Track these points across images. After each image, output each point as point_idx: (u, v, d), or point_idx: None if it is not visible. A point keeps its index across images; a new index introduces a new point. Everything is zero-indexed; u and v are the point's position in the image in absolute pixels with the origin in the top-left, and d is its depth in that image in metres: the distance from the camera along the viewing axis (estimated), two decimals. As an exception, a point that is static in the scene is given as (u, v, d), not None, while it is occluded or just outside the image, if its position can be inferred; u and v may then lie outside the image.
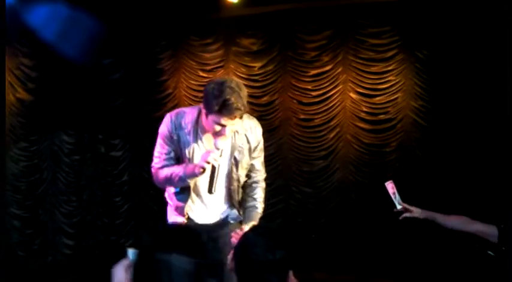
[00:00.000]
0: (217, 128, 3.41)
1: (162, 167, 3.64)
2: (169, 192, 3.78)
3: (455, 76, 7.23)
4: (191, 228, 2.34)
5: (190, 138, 3.58)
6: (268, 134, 7.95)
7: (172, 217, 3.80)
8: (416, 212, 4.15)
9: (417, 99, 7.51)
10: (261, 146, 3.83)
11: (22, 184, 8.36)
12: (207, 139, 3.58)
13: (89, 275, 7.43)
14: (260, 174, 3.89)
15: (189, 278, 1.96)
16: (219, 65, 8.19)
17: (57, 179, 8.48)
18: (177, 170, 3.54)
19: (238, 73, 8.09)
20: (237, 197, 3.77)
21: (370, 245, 7.52)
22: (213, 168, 3.40)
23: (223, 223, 3.78)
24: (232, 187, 3.72)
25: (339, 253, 7.65)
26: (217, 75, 8.12)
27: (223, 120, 3.37)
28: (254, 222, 3.75)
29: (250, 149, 3.72)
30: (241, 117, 3.45)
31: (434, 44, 7.35)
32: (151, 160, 3.79)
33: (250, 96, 8.10)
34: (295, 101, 8.00)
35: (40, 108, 8.30)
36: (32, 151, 8.41)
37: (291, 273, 2.35)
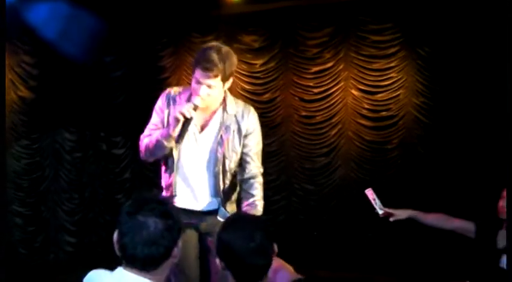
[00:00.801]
0: (195, 85, 3.41)
1: (147, 135, 3.62)
2: (161, 171, 3.73)
3: (457, 73, 7.22)
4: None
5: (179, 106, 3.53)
6: (270, 131, 7.96)
7: None
8: (398, 214, 4.17)
9: (419, 96, 7.51)
10: (256, 135, 3.72)
11: (24, 182, 8.37)
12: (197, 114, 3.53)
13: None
14: (256, 167, 3.73)
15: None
16: (220, 62, 8.17)
17: (59, 177, 8.49)
18: (156, 134, 3.53)
19: (239, 70, 8.08)
20: (222, 182, 3.64)
21: (372, 242, 7.52)
22: (186, 119, 3.37)
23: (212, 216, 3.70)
24: (216, 169, 3.61)
25: (341, 250, 7.65)
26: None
27: (200, 76, 3.38)
28: None
29: (240, 132, 3.63)
30: (216, 77, 3.39)
31: (436, 41, 7.34)
32: None
33: (251, 93, 8.17)
34: (296, 98, 8.00)
35: (42, 105, 8.31)
36: (34, 149, 8.42)
37: (275, 246, 2.39)
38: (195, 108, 3.39)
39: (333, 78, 7.82)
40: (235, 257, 2.30)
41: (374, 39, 7.61)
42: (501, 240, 3.92)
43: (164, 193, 3.71)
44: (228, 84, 3.53)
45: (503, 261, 3.82)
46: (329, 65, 7.81)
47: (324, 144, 7.91)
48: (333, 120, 7.86)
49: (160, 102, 3.66)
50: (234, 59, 3.50)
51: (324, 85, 7.85)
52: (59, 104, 8.32)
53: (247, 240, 2.29)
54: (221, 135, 3.59)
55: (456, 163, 7.20)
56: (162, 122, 3.60)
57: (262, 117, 7.92)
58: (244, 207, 3.66)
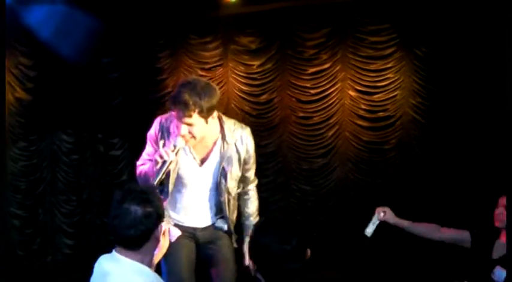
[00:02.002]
0: (177, 123, 3.36)
1: (142, 164, 3.58)
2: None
3: (453, 73, 7.24)
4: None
5: (173, 135, 3.49)
6: (268, 132, 7.97)
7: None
8: (389, 214, 4.03)
9: (416, 97, 7.53)
10: (253, 154, 3.70)
11: (21, 184, 8.37)
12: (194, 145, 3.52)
13: (89, 275, 7.43)
14: (253, 184, 3.80)
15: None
16: (218, 63, 8.19)
17: (56, 179, 8.47)
18: (147, 165, 3.51)
19: (237, 71, 8.10)
20: (228, 209, 3.67)
21: (369, 243, 7.51)
22: (164, 162, 3.28)
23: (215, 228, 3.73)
24: (222, 199, 3.62)
25: (338, 251, 7.65)
26: (217, 73, 8.13)
27: (177, 115, 3.31)
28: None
29: (239, 159, 3.60)
30: (190, 117, 3.28)
31: (432, 41, 7.36)
32: None
33: (249, 94, 8.18)
34: (294, 99, 8.01)
35: (39, 107, 8.29)
36: (32, 151, 8.41)
37: (308, 251, 2.38)
38: (175, 149, 3.33)
39: (330, 79, 7.83)
40: (270, 260, 2.30)
41: (371, 40, 7.62)
42: (497, 251, 3.80)
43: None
44: (212, 116, 3.40)
45: (497, 273, 3.71)
46: (326, 66, 7.83)
47: (322, 145, 7.92)
48: (331, 121, 7.87)
49: (153, 132, 3.57)
50: (214, 92, 3.34)
51: (321, 86, 7.86)
52: (56, 105, 8.31)
53: (284, 243, 2.29)
54: (223, 167, 3.56)
55: (453, 163, 7.22)
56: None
57: (259, 118, 8.03)
58: (241, 225, 3.81)
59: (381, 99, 7.65)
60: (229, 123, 3.56)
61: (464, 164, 7.14)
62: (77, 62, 7.39)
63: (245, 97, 8.06)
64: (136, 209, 2.48)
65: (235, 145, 3.56)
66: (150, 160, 3.53)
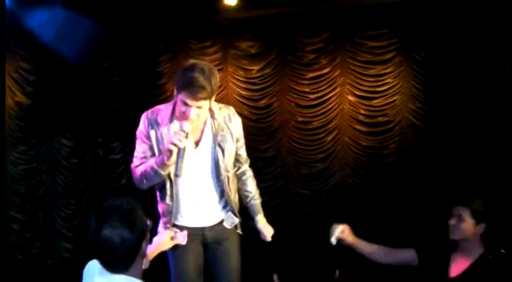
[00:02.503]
0: (183, 108, 3.33)
1: (139, 165, 3.53)
2: (157, 197, 3.68)
3: (453, 78, 7.25)
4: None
5: (166, 129, 3.48)
6: (267, 136, 7.98)
7: (161, 225, 3.69)
8: (346, 233, 3.87)
9: (415, 102, 7.54)
10: (242, 134, 3.71)
11: (21, 188, 8.38)
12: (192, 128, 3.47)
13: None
14: (247, 164, 3.83)
15: None
16: (217, 68, 8.09)
17: (56, 183, 8.48)
18: (150, 162, 3.45)
19: (236, 76, 8.11)
20: (229, 189, 3.64)
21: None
22: (179, 149, 3.28)
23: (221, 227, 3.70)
24: (222, 177, 3.58)
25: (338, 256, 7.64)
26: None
27: (189, 100, 3.29)
28: (261, 214, 3.80)
29: (232, 135, 3.60)
30: (205, 99, 3.32)
31: (432, 46, 7.36)
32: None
33: (248, 99, 8.19)
34: (293, 104, 8.02)
35: (39, 111, 8.31)
36: (31, 154, 8.42)
37: (337, 272, 2.38)
38: (187, 135, 3.33)
39: (329, 84, 7.84)
40: (298, 275, 2.28)
41: (370, 45, 7.63)
42: (455, 268, 3.50)
43: (162, 219, 3.66)
44: (214, 97, 3.44)
45: None
46: (325, 70, 7.83)
47: (321, 149, 7.93)
48: (330, 125, 7.88)
49: (143, 127, 3.56)
50: (217, 73, 3.41)
51: (321, 91, 7.87)
52: (56, 110, 8.32)
53: (313, 258, 2.29)
54: (219, 144, 3.54)
55: (452, 168, 7.22)
56: (151, 148, 3.52)
57: (258, 123, 8.04)
58: (246, 205, 3.81)
59: (380, 104, 7.66)
60: (214, 103, 3.55)
61: (463, 169, 7.14)
62: (78, 65, 7.41)
63: (244, 102, 8.07)
64: (116, 236, 2.36)
65: (225, 122, 3.57)
66: (144, 158, 3.52)
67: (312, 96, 7.91)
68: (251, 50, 8.07)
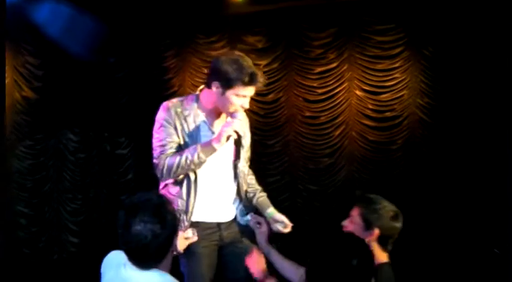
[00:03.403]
0: (235, 100, 3.35)
1: (171, 154, 3.40)
2: (170, 194, 3.54)
3: (461, 73, 7.22)
4: None
5: (193, 124, 3.44)
6: (274, 131, 7.96)
7: None
8: (262, 233, 3.55)
9: (423, 97, 7.51)
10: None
11: (28, 182, 8.39)
12: (215, 122, 3.48)
13: (94, 272, 7.43)
14: (247, 164, 3.78)
15: None
16: (224, 62, 8.17)
17: (62, 177, 8.48)
18: (190, 150, 3.34)
19: (243, 71, 8.09)
20: (243, 185, 3.62)
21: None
22: (239, 136, 3.35)
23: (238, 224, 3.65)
24: (239, 172, 3.58)
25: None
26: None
27: (244, 90, 3.34)
28: (271, 206, 3.72)
29: (248, 132, 3.63)
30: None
31: (440, 41, 7.34)
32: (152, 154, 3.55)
33: (255, 93, 8.14)
34: (300, 99, 8.00)
35: (46, 106, 8.31)
36: (38, 149, 8.43)
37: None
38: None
39: (336, 79, 7.81)
40: (332, 279, 2.29)
41: (378, 40, 7.61)
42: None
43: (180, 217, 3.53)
44: None
45: None
46: (333, 65, 7.81)
47: (328, 144, 7.91)
48: (337, 120, 7.86)
49: (168, 116, 3.46)
50: None
51: (328, 86, 7.84)
52: (62, 104, 8.32)
53: (347, 262, 2.28)
54: (241, 143, 3.53)
55: (460, 163, 7.19)
56: (177, 137, 3.43)
57: (266, 117, 8.02)
58: (256, 201, 3.72)
59: (388, 99, 7.63)
60: None
61: (470, 164, 7.11)
62: (84, 60, 7.40)
63: (251, 96, 8.05)
64: (148, 231, 2.26)
65: (243, 117, 3.55)
66: (171, 143, 3.42)
67: (319, 91, 7.89)
68: (258, 45, 8.05)
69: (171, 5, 7.84)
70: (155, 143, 3.46)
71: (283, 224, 3.64)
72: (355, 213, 3.18)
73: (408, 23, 7.47)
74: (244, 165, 3.61)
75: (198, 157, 3.32)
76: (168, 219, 2.31)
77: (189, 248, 3.45)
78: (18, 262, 7.94)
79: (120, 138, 8.54)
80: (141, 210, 2.30)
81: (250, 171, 3.78)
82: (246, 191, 3.72)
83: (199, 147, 3.32)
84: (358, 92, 7.76)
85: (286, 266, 3.36)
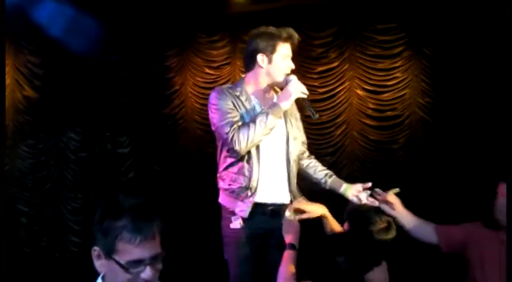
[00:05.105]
0: (283, 63, 3.49)
1: (241, 124, 3.43)
2: (231, 173, 3.53)
3: (462, 72, 7.21)
4: None
5: (246, 102, 3.50)
6: (275, 130, 7.94)
7: (230, 203, 3.54)
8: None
9: (424, 96, 7.50)
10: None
11: (29, 181, 8.40)
12: (264, 102, 3.55)
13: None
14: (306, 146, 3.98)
15: None
16: (225, 62, 8.18)
17: (64, 177, 8.49)
18: (260, 115, 3.41)
19: (244, 70, 8.08)
20: (294, 175, 3.75)
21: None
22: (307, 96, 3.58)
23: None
24: (294, 156, 3.71)
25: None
26: (224, 72, 8.12)
27: (288, 49, 3.55)
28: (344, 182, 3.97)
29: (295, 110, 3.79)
30: None
31: (441, 41, 7.33)
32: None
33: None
34: (301, 98, 7.97)
35: (47, 105, 8.32)
36: (39, 148, 8.44)
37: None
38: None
39: (338, 78, 7.81)
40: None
41: (379, 39, 7.60)
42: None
43: (234, 200, 3.52)
44: None
45: None
46: (334, 65, 7.80)
47: (329, 144, 7.90)
48: (338, 120, 7.85)
49: (221, 96, 3.50)
50: None
51: (329, 85, 7.83)
52: (64, 103, 8.33)
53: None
54: (290, 120, 3.69)
55: (461, 163, 7.19)
56: (241, 116, 3.47)
57: (267, 117, 8.00)
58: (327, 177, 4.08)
59: (389, 98, 7.63)
60: None
61: (472, 163, 7.11)
62: (86, 58, 7.40)
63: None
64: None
65: None
66: (236, 117, 3.46)
67: (320, 90, 7.87)
68: (259, 44, 8.03)
69: (172, 4, 7.84)
70: (219, 121, 3.45)
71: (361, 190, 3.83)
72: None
73: (409, 22, 7.46)
74: (300, 135, 3.84)
75: (270, 119, 3.39)
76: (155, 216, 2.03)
77: (235, 236, 3.50)
78: (19, 261, 7.94)
79: (121, 137, 8.53)
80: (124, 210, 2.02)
81: (314, 159, 4.02)
82: (314, 177, 4.02)
83: (267, 111, 3.41)
84: (359, 92, 7.75)
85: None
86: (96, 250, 2.09)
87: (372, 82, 7.68)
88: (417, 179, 7.45)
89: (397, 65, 7.56)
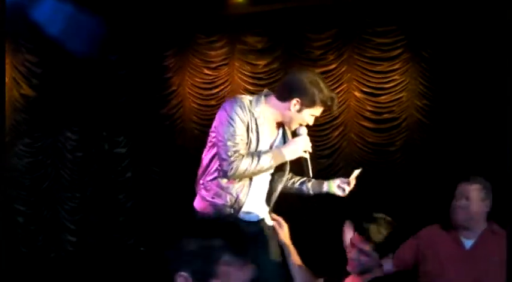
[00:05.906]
0: (307, 118, 3.49)
1: (245, 154, 3.35)
2: (212, 188, 3.47)
3: (460, 75, 7.22)
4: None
5: (261, 127, 3.43)
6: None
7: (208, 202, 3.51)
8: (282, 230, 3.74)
9: (422, 99, 7.51)
10: None
11: (26, 180, 8.39)
12: (270, 129, 3.55)
13: (92, 271, 7.43)
14: None
15: None
16: (223, 62, 8.18)
17: (60, 176, 8.48)
18: (264, 156, 3.38)
19: (242, 71, 8.09)
20: (276, 195, 3.82)
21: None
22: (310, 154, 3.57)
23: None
24: (285, 178, 3.78)
25: (343, 253, 7.62)
26: (222, 72, 8.13)
27: (318, 112, 3.52)
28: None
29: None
30: None
31: (439, 44, 7.34)
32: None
33: (254, 94, 8.13)
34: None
35: (44, 104, 8.31)
36: (36, 147, 8.43)
37: None
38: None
39: (336, 80, 7.81)
40: None
41: (377, 42, 7.60)
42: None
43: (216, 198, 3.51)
44: None
45: None
46: (332, 66, 7.81)
47: (327, 145, 7.90)
48: (336, 121, 7.85)
49: (243, 113, 3.37)
50: None
51: (327, 87, 7.83)
52: (61, 103, 8.32)
53: None
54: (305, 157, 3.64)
55: (458, 165, 7.19)
56: (248, 138, 3.39)
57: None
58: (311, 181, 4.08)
59: (387, 100, 7.64)
60: None
61: (469, 166, 7.11)
62: (84, 58, 7.39)
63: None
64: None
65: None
66: (247, 148, 3.39)
67: (318, 92, 7.87)
68: (258, 45, 8.05)
69: (171, 5, 7.84)
70: (227, 139, 3.33)
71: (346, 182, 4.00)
72: (366, 246, 3.13)
73: (408, 25, 7.47)
74: (288, 169, 3.79)
75: (270, 165, 3.44)
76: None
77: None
78: (15, 261, 7.93)
79: (119, 137, 8.53)
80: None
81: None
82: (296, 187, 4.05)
83: (272, 156, 3.41)
84: (357, 94, 7.76)
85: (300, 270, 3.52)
86: (182, 275, 1.86)
87: (369, 84, 7.69)
88: (414, 181, 7.46)
89: (395, 67, 7.57)
